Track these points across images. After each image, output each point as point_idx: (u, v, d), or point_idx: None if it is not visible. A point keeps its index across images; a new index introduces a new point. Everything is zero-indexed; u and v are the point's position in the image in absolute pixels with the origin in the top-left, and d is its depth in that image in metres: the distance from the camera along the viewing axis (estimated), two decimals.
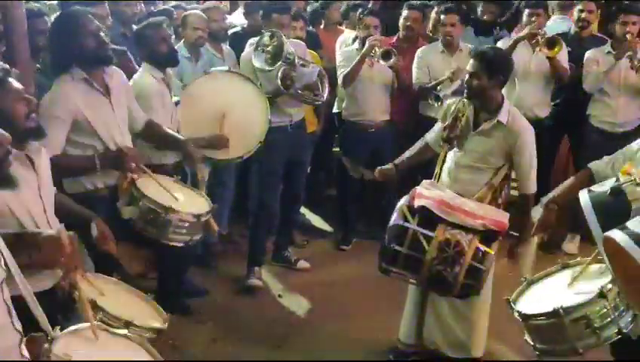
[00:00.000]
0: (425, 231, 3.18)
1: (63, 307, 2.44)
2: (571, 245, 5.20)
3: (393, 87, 5.19)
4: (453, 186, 3.54)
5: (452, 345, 3.65)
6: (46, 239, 2.28)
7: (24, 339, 2.02)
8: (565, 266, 2.90)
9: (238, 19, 6.08)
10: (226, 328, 4.22)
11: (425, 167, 3.98)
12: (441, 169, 3.64)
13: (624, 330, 2.50)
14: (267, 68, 4.27)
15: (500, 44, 5.16)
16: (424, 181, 3.54)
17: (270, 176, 4.70)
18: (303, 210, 5.78)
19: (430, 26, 5.93)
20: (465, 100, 3.56)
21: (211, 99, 4.17)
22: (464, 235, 3.15)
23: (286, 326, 4.27)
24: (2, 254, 2.01)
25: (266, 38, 4.32)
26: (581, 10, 5.36)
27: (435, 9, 5.82)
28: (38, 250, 2.28)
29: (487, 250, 3.16)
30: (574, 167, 5.60)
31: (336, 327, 4.21)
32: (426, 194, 3.32)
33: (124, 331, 2.34)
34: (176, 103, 4.09)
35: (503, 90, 3.63)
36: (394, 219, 3.28)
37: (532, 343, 2.73)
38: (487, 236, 3.18)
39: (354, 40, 5.35)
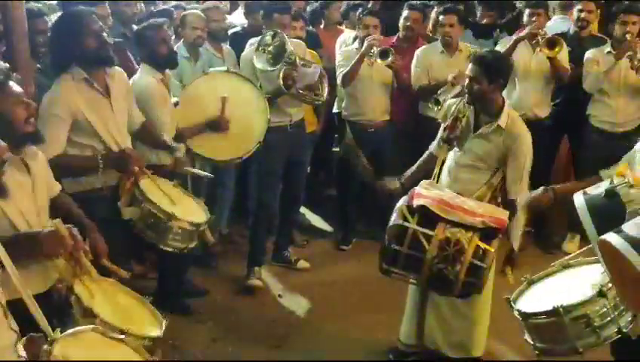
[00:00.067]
0: (425, 231, 3.18)
1: (58, 310, 2.44)
2: (571, 245, 5.19)
3: (393, 87, 5.19)
4: (453, 185, 3.55)
5: (452, 345, 3.65)
6: (46, 236, 2.30)
7: (22, 339, 2.02)
8: (565, 266, 2.89)
9: (238, 19, 6.08)
10: (226, 328, 4.22)
11: None
12: (440, 169, 3.64)
13: (624, 330, 2.49)
14: (269, 68, 4.27)
15: (499, 45, 5.17)
16: (423, 181, 3.54)
17: (269, 176, 4.70)
18: (303, 210, 5.78)
19: (430, 26, 5.93)
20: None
21: (210, 99, 4.16)
22: (464, 233, 3.15)
23: (286, 326, 4.28)
24: None
25: (267, 38, 4.32)
26: (580, 10, 5.35)
27: (435, 9, 5.82)
28: (40, 248, 2.29)
29: (488, 247, 3.16)
30: (574, 167, 5.60)
31: (336, 327, 4.21)
32: (425, 193, 3.32)
33: (121, 336, 2.33)
34: (175, 104, 4.09)
35: (504, 91, 3.63)
36: (393, 219, 3.28)
37: (532, 342, 2.72)
38: (487, 234, 3.18)
39: (354, 40, 5.35)
